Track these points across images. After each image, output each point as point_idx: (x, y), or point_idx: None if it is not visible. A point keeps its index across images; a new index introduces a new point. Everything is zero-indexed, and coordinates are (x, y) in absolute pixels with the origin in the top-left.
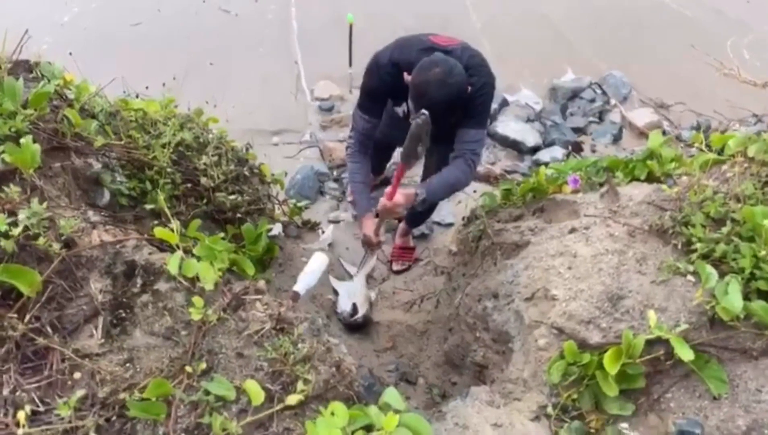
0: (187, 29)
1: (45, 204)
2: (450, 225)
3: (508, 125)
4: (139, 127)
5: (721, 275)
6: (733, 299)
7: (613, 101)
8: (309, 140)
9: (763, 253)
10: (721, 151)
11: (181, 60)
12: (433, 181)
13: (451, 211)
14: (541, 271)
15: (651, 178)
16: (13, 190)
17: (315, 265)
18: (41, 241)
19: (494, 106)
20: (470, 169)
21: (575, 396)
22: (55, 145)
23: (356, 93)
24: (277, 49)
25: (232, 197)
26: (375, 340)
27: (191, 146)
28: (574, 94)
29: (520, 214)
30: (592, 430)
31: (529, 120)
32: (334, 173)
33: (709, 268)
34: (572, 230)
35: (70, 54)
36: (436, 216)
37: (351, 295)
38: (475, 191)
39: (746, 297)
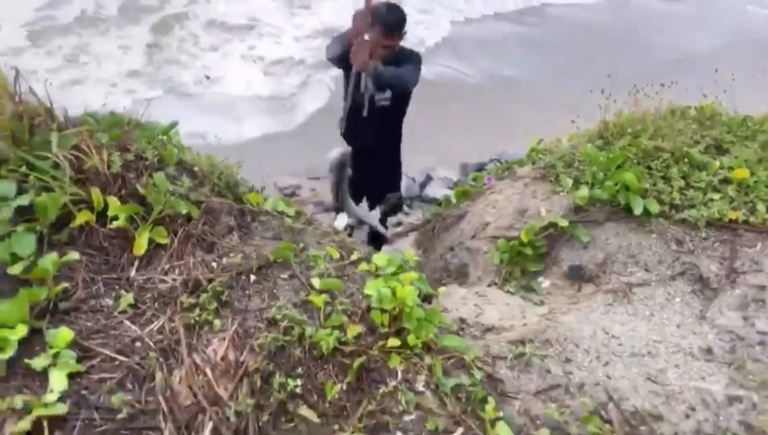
0: None
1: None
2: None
3: (435, 190)
4: None
5: (577, 187)
6: (582, 193)
7: None
8: None
9: (594, 169)
10: None
11: None
12: (388, 68)
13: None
14: (477, 218)
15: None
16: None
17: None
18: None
19: (421, 179)
20: (412, 74)
21: (510, 270)
22: None
23: None
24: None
25: None
26: None
27: None
28: (480, 168)
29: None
30: (523, 284)
31: (449, 187)
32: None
33: (569, 180)
34: (492, 193)
35: None
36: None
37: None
38: None
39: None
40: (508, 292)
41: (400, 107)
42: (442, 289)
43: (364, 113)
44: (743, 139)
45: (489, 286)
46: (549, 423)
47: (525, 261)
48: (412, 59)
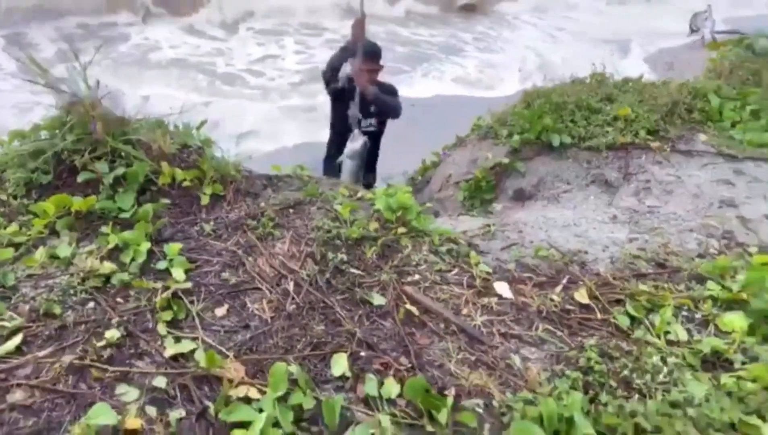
0: None
1: None
2: None
3: None
4: None
5: (511, 136)
6: (516, 139)
7: None
8: None
9: (522, 122)
10: None
11: None
12: (385, 96)
13: None
14: (440, 176)
15: None
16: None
17: None
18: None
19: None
20: (399, 103)
21: (471, 202)
22: None
23: None
24: None
25: None
26: None
27: None
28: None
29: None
30: (482, 209)
31: None
32: None
33: (505, 131)
34: (449, 158)
35: None
36: None
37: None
38: None
39: (522, 142)
40: (472, 216)
41: (382, 130)
42: (427, 204)
43: None
44: (625, 93)
45: (458, 216)
46: (513, 259)
47: (481, 193)
48: (394, 92)
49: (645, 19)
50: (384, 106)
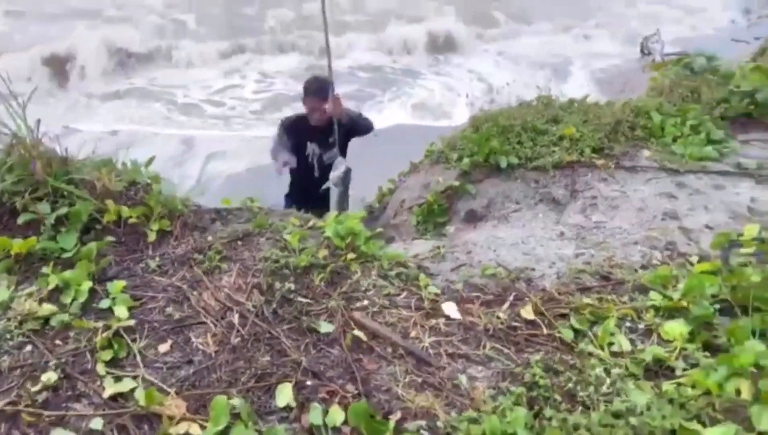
0: None
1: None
2: None
3: None
4: None
5: (461, 160)
6: (466, 162)
7: None
8: None
9: (471, 145)
10: None
11: None
12: (357, 114)
13: None
14: (395, 202)
15: None
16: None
17: None
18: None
19: None
20: (370, 122)
21: (425, 226)
22: None
23: None
24: None
25: None
26: None
27: None
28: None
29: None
30: (435, 232)
31: None
32: None
33: (455, 155)
34: (403, 184)
35: None
36: None
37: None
38: None
39: (472, 165)
40: (425, 239)
41: (344, 155)
42: (379, 229)
43: (316, 174)
44: (570, 113)
45: (412, 240)
46: (462, 280)
47: (434, 216)
48: (350, 110)
49: (586, 42)
50: (359, 123)
